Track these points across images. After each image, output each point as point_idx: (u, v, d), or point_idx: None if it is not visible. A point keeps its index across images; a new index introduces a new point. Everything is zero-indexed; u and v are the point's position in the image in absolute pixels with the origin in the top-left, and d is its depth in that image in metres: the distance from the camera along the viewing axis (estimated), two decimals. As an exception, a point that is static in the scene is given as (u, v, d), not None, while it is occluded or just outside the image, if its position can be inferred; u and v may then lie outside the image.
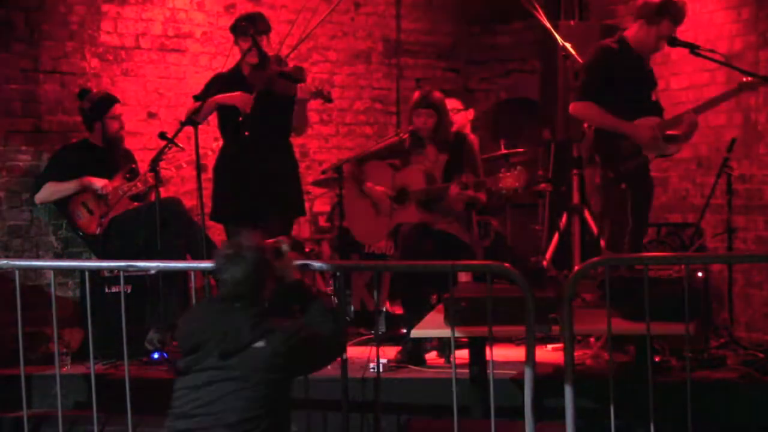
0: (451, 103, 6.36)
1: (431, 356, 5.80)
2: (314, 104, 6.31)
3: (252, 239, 3.76)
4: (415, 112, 5.88)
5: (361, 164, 6.09)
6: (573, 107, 5.63)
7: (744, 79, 5.55)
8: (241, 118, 5.56)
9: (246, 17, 5.83)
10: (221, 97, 5.59)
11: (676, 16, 5.48)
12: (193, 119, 5.54)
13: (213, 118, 5.95)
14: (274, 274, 3.80)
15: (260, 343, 3.60)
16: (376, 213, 5.99)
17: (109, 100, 6.23)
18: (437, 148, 5.90)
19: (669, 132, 5.55)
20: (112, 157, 6.23)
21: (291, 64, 5.78)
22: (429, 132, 5.86)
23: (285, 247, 3.92)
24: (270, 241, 3.95)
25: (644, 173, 5.69)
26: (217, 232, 6.55)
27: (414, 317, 5.42)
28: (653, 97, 5.70)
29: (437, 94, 5.92)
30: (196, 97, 5.78)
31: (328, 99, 5.68)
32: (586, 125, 5.73)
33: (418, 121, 5.86)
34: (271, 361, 3.61)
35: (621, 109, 5.53)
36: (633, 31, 5.59)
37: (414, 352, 5.65)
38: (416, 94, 5.97)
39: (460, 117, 6.57)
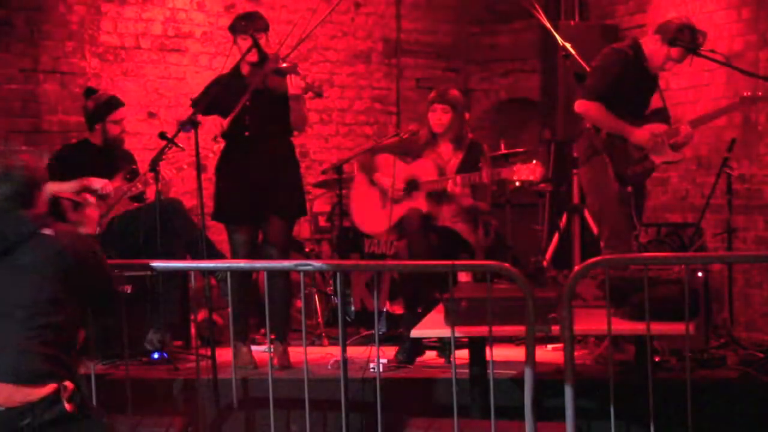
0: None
1: (431, 356, 5.81)
2: (314, 104, 6.31)
3: (21, 158, 3.77)
4: (430, 107, 5.89)
5: (373, 155, 6.13)
6: (580, 105, 5.63)
7: (745, 94, 5.67)
8: (227, 122, 5.59)
9: (244, 16, 5.81)
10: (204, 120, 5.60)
11: (692, 43, 5.51)
12: (193, 119, 5.52)
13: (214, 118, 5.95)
14: (46, 195, 3.73)
15: (48, 231, 3.56)
16: (383, 203, 6.03)
17: (113, 104, 6.21)
18: (453, 146, 5.92)
19: (671, 141, 5.59)
20: (112, 157, 6.22)
21: (288, 62, 5.77)
22: (443, 128, 5.87)
23: (90, 203, 3.89)
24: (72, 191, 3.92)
25: (646, 178, 5.74)
26: (217, 232, 6.55)
27: (414, 316, 5.44)
28: (659, 103, 5.72)
29: (454, 92, 5.94)
30: (194, 102, 5.76)
31: (319, 93, 5.67)
32: (588, 124, 5.74)
33: (432, 116, 5.87)
34: (55, 255, 3.54)
35: (626, 115, 5.55)
36: (649, 42, 5.62)
37: (412, 351, 5.65)
38: (433, 92, 5.98)
39: None
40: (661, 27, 5.62)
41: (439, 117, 5.86)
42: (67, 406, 3.42)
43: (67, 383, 3.45)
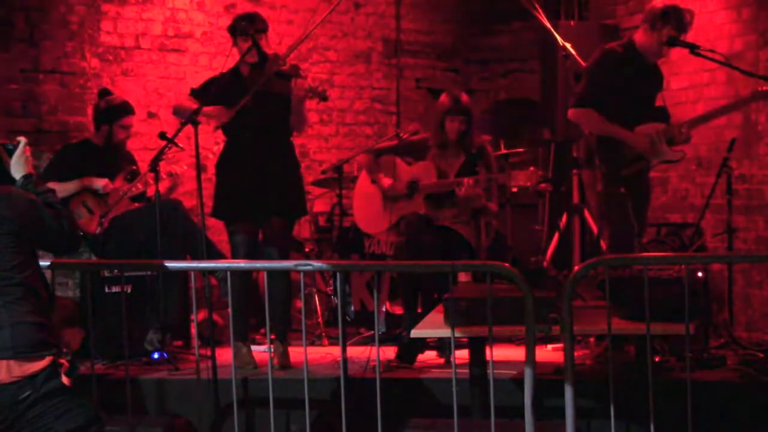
0: None
1: (431, 356, 5.81)
2: (314, 104, 6.30)
3: None
4: (449, 117, 5.89)
5: (377, 156, 6.15)
6: (571, 113, 5.64)
7: (760, 88, 5.54)
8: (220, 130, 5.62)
9: (244, 17, 5.82)
10: (205, 110, 5.60)
11: (679, 24, 5.48)
12: (193, 119, 5.52)
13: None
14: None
15: None
16: (384, 204, 6.05)
17: (126, 109, 6.22)
18: (460, 149, 5.95)
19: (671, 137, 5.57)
20: (113, 157, 6.22)
21: (289, 63, 5.77)
22: (459, 136, 5.89)
23: (22, 143, 3.85)
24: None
25: (644, 177, 5.70)
26: (217, 232, 6.55)
27: (414, 316, 5.44)
28: (659, 102, 5.70)
29: (465, 97, 5.97)
30: (193, 91, 5.78)
31: (324, 97, 5.67)
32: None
33: (451, 126, 5.88)
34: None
35: (624, 114, 5.52)
36: (639, 35, 5.60)
37: (411, 351, 5.66)
38: (444, 98, 5.96)
39: None
40: (645, 15, 5.58)
41: (458, 127, 5.88)
42: (64, 379, 3.46)
43: (63, 360, 3.47)
